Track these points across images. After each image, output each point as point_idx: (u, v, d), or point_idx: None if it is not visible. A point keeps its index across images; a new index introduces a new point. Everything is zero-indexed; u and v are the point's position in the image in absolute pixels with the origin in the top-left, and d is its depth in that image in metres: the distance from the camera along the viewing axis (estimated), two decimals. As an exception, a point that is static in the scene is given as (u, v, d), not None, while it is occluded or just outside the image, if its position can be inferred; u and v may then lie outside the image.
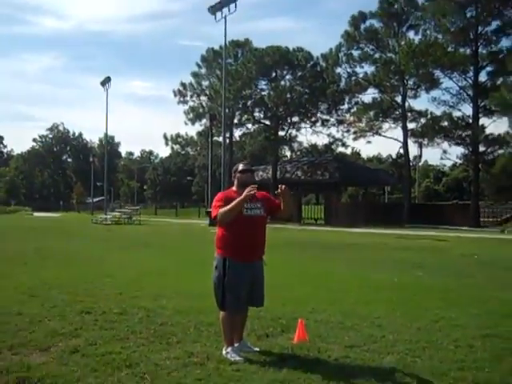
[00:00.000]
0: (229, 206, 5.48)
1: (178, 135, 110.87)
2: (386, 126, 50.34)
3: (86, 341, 5.96)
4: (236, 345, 5.67)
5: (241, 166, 5.83)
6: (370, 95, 50.79)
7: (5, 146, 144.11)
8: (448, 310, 7.96)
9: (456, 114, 46.15)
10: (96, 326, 6.71)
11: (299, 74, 50.24)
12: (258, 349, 5.72)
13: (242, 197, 5.44)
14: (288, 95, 49.66)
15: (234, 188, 5.82)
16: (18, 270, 12.07)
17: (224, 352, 5.52)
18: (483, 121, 45.23)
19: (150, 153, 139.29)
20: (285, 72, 51.23)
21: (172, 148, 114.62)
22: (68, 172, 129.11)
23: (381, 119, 50.09)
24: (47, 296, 8.68)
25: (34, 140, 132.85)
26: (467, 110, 45.31)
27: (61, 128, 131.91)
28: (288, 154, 64.14)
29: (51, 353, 5.55)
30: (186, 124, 58.88)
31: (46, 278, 10.76)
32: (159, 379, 4.75)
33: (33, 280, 10.44)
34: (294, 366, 5.16)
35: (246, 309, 5.84)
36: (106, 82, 57.09)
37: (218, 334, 6.30)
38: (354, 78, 49.64)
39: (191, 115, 56.85)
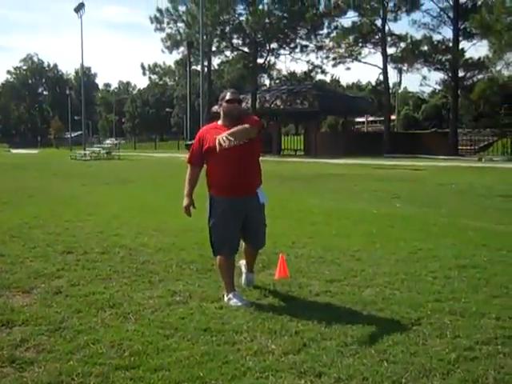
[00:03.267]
0: (185, 185, 5.48)
1: (155, 65, 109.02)
2: (365, 51, 49.80)
3: (69, 281, 5.98)
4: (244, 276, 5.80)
5: (228, 95, 5.33)
6: (349, 19, 50.02)
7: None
8: (426, 241, 8.11)
9: (436, 37, 45.89)
10: (78, 266, 6.70)
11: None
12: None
13: (184, 201, 5.44)
14: (266, 20, 48.52)
15: (219, 122, 5.44)
16: (-3, 210, 11.98)
17: (226, 299, 5.27)
18: (463, 44, 45.14)
19: (128, 84, 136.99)
20: (263, -5, 49.81)
21: (150, 78, 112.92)
22: (44, 106, 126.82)
23: (360, 44, 49.36)
24: (28, 236, 8.64)
25: (8, 72, 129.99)
26: (447, 33, 45.13)
27: (35, 59, 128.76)
28: (267, 82, 63.52)
29: (34, 294, 5.56)
30: (163, 52, 57.74)
31: (26, 217, 10.66)
32: (143, 319, 4.80)
33: (13, 220, 10.36)
34: (275, 302, 5.25)
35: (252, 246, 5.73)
36: (79, 8, 55.08)
37: (199, 271, 6.38)
38: (333, 0, 48.52)
39: (168, 43, 55.50)
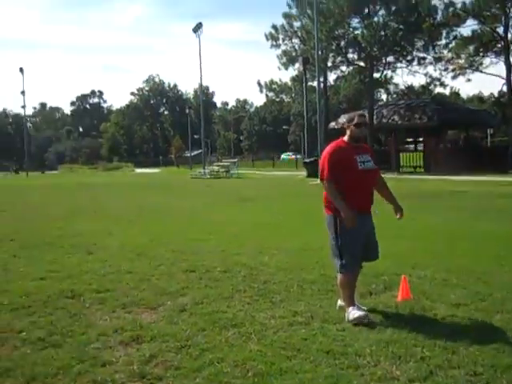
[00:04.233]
0: (336, 201, 5.39)
1: (271, 81, 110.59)
2: (487, 61, 47.63)
3: (193, 299, 6.15)
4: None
5: (356, 119, 5.61)
6: (469, 27, 48.37)
7: (104, 101, 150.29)
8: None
9: None
10: (201, 284, 6.89)
11: (393, 8, 47.78)
12: (365, 308, 5.62)
13: (344, 216, 5.34)
14: (382, 33, 47.50)
15: (345, 138, 5.66)
16: (124, 228, 12.58)
17: (347, 315, 5.35)
18: None
19: (245, 102, 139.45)
20: (378, 7, 48.64)
21: (266, 95, 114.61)
22: (165, 125, 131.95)
23: (481, 54, 47.43)
24: (153, 254, 8.99)
25: (132, 93, 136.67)
26: None
27: (156, 80, 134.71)
28: (384, 97, 62.64)
29: (161, 312, 5.78)
30: (279, 69, 58.25)
31: (150, 235, 11.14)
32: (265, 339, 4.84)
33: (138, 238, 10.85)
34: (399, 325, 5.12)
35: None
36: (197, 28, 56.48)
37: (320, 291, 6.35)
38: (451, 9, 46.38)
39: (284, 59, 55.95)
